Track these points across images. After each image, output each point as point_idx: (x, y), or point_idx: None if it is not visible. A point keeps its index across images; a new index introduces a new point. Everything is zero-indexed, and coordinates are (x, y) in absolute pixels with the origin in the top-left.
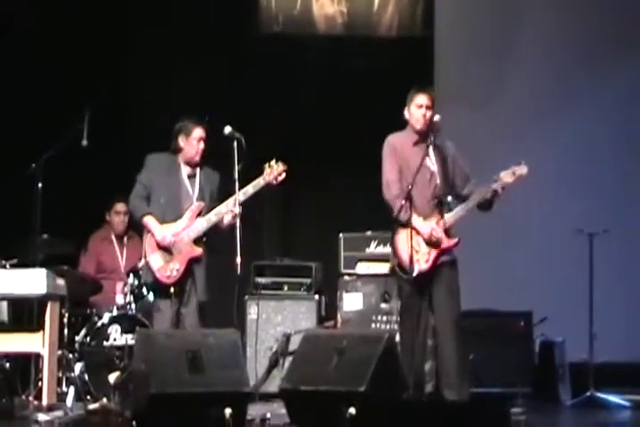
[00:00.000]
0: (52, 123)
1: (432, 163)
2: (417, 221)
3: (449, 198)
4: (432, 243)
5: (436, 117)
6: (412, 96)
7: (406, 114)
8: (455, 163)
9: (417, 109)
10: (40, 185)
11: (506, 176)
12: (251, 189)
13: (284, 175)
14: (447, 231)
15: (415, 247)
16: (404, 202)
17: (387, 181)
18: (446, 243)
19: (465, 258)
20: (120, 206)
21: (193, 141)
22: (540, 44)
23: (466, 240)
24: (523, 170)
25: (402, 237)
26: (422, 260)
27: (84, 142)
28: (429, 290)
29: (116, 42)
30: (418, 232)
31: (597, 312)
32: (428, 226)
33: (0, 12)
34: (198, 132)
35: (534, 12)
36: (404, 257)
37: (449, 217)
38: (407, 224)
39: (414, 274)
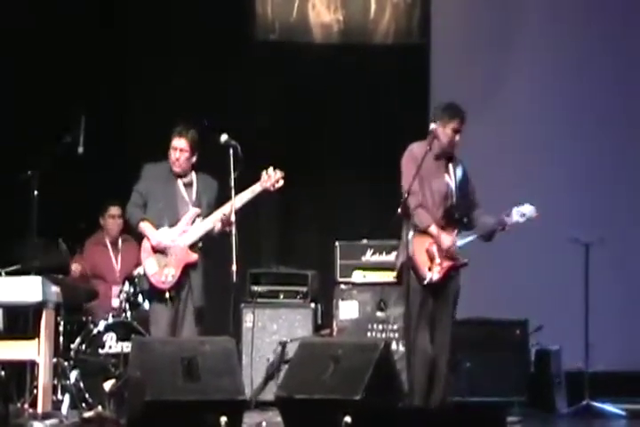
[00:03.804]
0: (51, 123)
1: (451, 180)
2: (437, 230)
3: (463, 219)
4: (448, 255)
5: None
6: (453, 119)
7: (437, 130)
8: (470, 184)
9: (452, 133)
10: (36, 193)
11: (516, 215)
12: (247, 195)
13: (281, 182)
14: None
15: (431, 255)
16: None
17: (406, 191)
18: (460, 260)
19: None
20: (114, 210)
21: (170, 151)
22: (538, 49)
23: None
24: (533, 214)
25: (419, 243)
26: (435, 270)
27: (80, 150)
28: (433, 301)
29: (115, 43)
30: (436, 241)
31: (593, 321)
32: (450, 239)
33: (0, 11)
34: (173, 141)
35: (531, 18)
36: (419, 263)
37: (459, 240)
38: (426, 231)
39: (426, 282)
